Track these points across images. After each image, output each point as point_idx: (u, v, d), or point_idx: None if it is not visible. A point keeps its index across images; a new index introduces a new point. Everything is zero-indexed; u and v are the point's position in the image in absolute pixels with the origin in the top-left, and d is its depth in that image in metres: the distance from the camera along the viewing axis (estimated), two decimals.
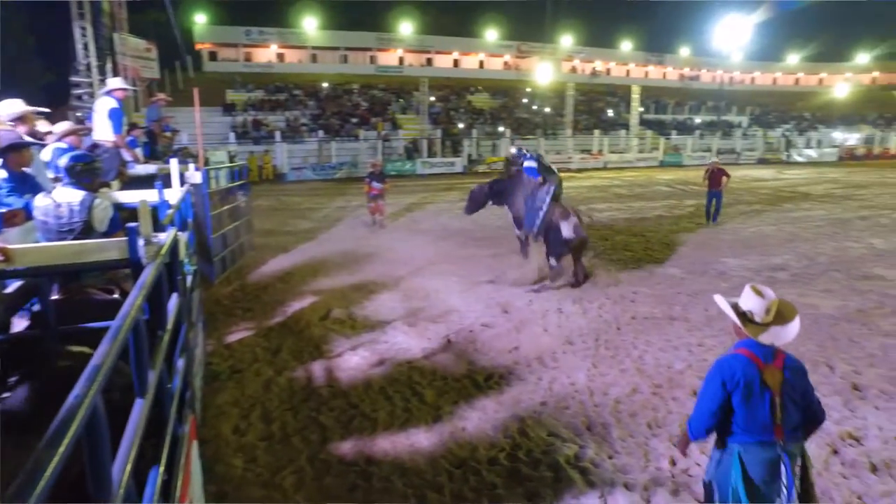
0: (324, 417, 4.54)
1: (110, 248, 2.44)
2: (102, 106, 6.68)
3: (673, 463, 3.88)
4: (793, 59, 59.75)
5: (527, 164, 8.80)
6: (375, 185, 12.76)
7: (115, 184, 6.05)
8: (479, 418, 4.53)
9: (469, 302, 7.55)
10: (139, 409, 1.52)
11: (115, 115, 6.56)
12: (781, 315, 2.57)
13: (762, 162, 38.74)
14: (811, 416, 2.63)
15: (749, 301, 2.59)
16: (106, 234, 3.28)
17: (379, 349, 5.95)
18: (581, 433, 4.30)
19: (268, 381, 5.22)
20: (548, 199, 8.29)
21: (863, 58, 60.07)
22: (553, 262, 8.24)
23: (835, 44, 57.41)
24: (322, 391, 4.99)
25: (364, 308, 7.33)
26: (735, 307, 2.63)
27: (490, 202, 9.48)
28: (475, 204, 9.54)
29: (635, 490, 3.57)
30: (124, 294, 2.62)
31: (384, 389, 5.02)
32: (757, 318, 2.56)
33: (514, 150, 10.12)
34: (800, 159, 40.08)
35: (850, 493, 3.59)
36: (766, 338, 2.54)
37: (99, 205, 3.36)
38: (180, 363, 2.69)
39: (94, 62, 11.58)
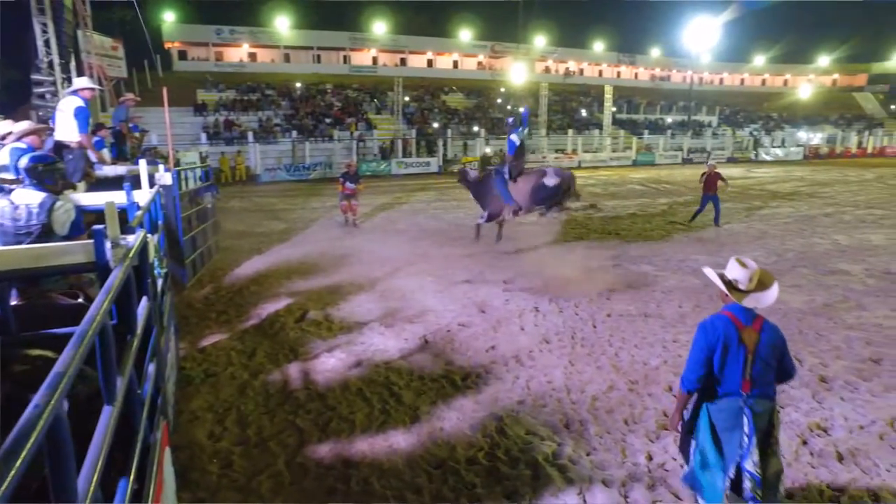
0: (301, 420, 4.47)
1: (75, 252, 2.36)
2: (68, 105, 6.48)
3: (650, 458, 3.93)
4: (759, 60, 61.40)
5: (512, 136, 9.79)
6: (349, 185, 12.92)
7: (81, 186, 5.88)
8: (457, 418, 4.52)
9: (446, 302, 7.54)
10: (107, 417, 1.47)
11: (80, 115, 6.37)
12: (762, 283, 2.91)
13: (731, 161, 39.57)
14: (783, 373, 2.99)
15: (734, 271, 2.93)
16: (67, 238, 3.17)
17: (356, 350, 5.90)
18: (559, 431, 4.32)
19: (243, 384, 5.13)
20: (506, 175, 9.66)
21: (824, 60, 62.04)
22: (555, 211, 9.32)
23: (798, 46, 59.26)
24: (298, 394, 4.93)
25: (340, 309, 7.27)
26: (722, 277, 2.96)
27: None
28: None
29: (613, 486, 3.60)
30: (89, 299, 2.54)
31: (361, 391, 4.98)
32: (741, 286, 2.90)
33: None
34: (767, 158, 41.09)
35: (819, 481, 3.68)
36: (748, 302, 2.88)
37: (60, 207, 3.25)
38: (151, 368, 2.62)
39: (56, 60, 11.23)
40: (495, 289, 8.07)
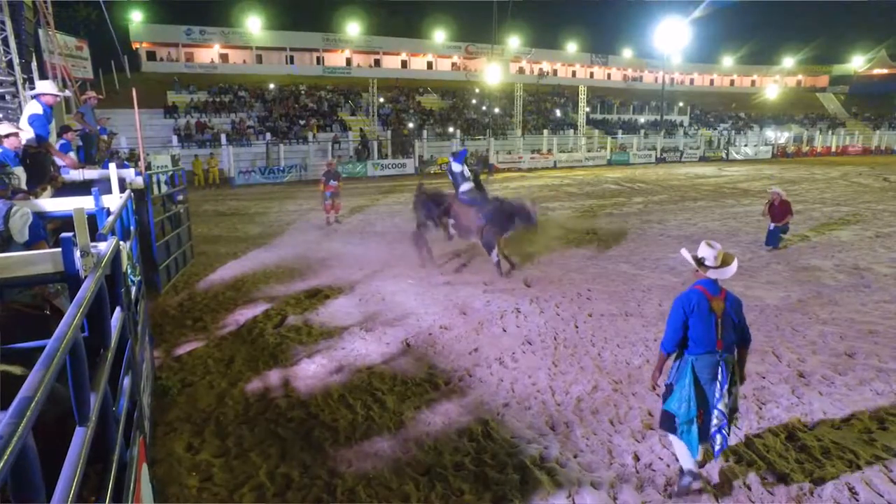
0: (282, 429, 4.36)
1: (42, 261, 2.22)
2: (27, 110, 6.22)
3: (637, 458, 3.92)
4: (727, 61, 62.84)
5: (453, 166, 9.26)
6: (332, 183, 13.40)
7: (47, 191, 5.66)
8: (442, 423, 4.46)
9: (426, 304, 7.47)
10: (80, 440, 1.37)
11: (35, 123, 6.04)
12: (725, 261, 3.62)
13: (703, 160, 40.33)
14: (743, 337, 3.60)
15: (704, 251, 3.62)
16: (27, 245, 3.02)
17: (337, 356, 5.79)
18: (545, 433, 4.29)
19: (221, 393, 4.99)
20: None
21: (789, 62, 63.83)
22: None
23: (764, 48, 61.16)
24: (279, 402, 4.81)
25: (320, 314, 7.15)
26: (694, 256, 3.65)
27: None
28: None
29: (602, 488, 3.58)
30: (55, 311, 2.40)
31: (344, 397, 4.88)
32: (708, 263, 3.58)
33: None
34: (738, 157, 41.97)
35: (801, 476, 3.71)
36: (713, 274, 3.56)
37: (16, 212, 3.09)
38: (126, 382, 2.50)
39: (15, 59, 10.83)
40: (476, 290, 8.03)
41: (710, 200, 17.80)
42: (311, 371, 5.44)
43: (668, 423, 3.57)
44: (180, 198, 10.22)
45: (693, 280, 3.70)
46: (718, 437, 3.43)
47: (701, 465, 3.72)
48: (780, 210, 10.42)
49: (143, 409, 3.44)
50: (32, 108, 6.15)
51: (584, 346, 6.01)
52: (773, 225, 10.47)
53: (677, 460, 3.68)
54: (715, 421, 3.43)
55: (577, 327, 6.57)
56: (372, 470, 3.84)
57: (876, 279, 8.39)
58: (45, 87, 6.54)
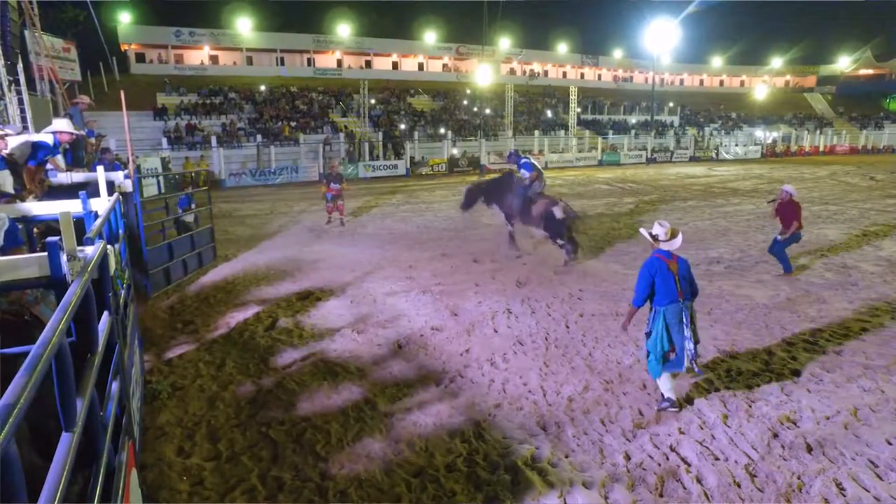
0: (274, 432, 4.35)
1: (28, 266, 2.20)
2: (40, 134, 6.14)
3: (628, 458, 3.94)
4: (717, 62, 63.34)
5: (523, 161, 10.19)
6: (334, 185, 13.37)
7: (34, 195, 5.61)
8: (434, 424, 4.47)
9: (418, 306, 7.47)
10: (66, 445, 1.36)
11: (40, 153, 5.93)
12: (673, 234, 4.74)
13: (694, 159, 40.58)
14: (693, 290, 4.70)
15: (657, 229, 4.75)
16: (2, 251, 2.98)
17: (328, 358, 5.78)
18: (536, 433, 4.31)
19: (212, 397, 4.97)
20: (539, 190, 9.87)
21: (777, 62, 64.45)
22: (560, 241, 9.47)
23: (753, 48, 61.77)
24: (271, 405, 4.79)
25: (311, 316, 7.13)
26: (651, 234, 4.77)
27: (482, 201, 10.55)
28: (470, 201, 10.61)
29: (593, 488, 3.59)
30: (35, 318, 2.38)
31: (335, 399, 4.87)
32: (661, 238, 4.71)
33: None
34: (728, 156, 42.26)
35: (790, 474, 3.75)
36: (665, 245, 4.70)
37: None
38: (115, 387, 2.48)
39: (0, 61, 10.75)
40: (467, 291, 8.04)
41: (700, 200, 17.92)
42: (302, 373, 5.42)
43: (646, 360, 4.68)
44: (189, 207, 10.46)
45: (651, 251, 4.77)
46: (693, 364, 4.61)
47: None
48: (784, 212, 8.78)
49: (133, 414, 3.42)
50: (45, 137, 6.07)
51: (575, 346, 6.04)
52: (778, 236, 8.80)
53: (663, 398, 4.65)
54: (684, 354, 4.55)
55: (568, 327, 6.60)
56: (363, 472, 3.83)
57: (863, 277, 8.48)
58: (62, 125, 6.45)
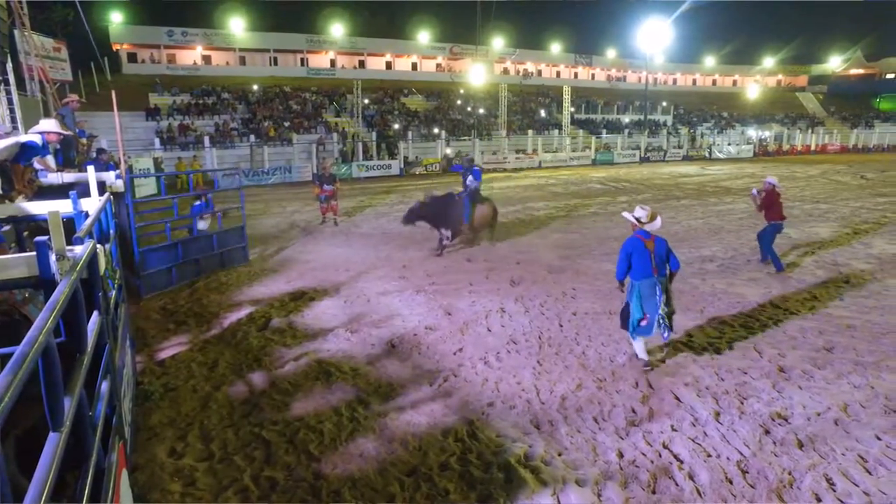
0: (267, 432, 4.34)
1: (16, 265, 2.19)
2: (28, 135, 6.08)
3: (621, 455, 3.96)
4: (709, 61, 63.68)
5: (476, 170, 11.15)
6: (326, 187, 13.25)
7: (23, 195, 5.56)
8: (427, 423, 4.47)
9: (411, 305, 7.47)
10: (53, 445, 1.35)
11: (29, 153, 5.87)
12: (653, 217, 5.33)
13: (687, 158, 40.74)
14: (672, 264, 5.31)
15: (639, 212, 5.34)
16: None
17: (321, 358, 5.77)
18: (530, 432, 4.32)
19: (205, 397, 4.95)
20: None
21: (769, 62, 64.89)
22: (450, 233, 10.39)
23: (744, 48, 62.15)
24: (264, 405, 4.78)
25: (304, 316, 7.11)
26: (634, 216, 5.34)
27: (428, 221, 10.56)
28: (411, 220, 10.51)
29: (586, 485, 3.60)
30: (23, 318, 2.36)
31: (329, 399, 4.86)
32: (643, 219, 5.30)
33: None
34: (720, 155, 42.45)
35: (781, 470, 3.77)
36: (648, 227, 5.29)
37: None
38: (104, 387, 2.47)
39: None
40: (461, 290, 8.04)
41: (693, 199, 18.00)
42: (295, 373, 5.41)
43: (624, 322, 5.41)
44: (205, 212, 10.01)
45: (632, 232, 5.36)
46: (666, 331, 5.30)
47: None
48: (767, 203, 9.02)
49: (124, 415, 3.41)
50: (34, 137, 6.01)
51: (568, 344, 6.05)
52: (775, 221, 8.99)
53: (636, 357, 5.42)
54: (657, 321, 5.22)
55: (561, 326, 6.61)
56: (357, 471, 3.83)
57: (854, 274, 8.54)
58: (50, 125, 6.41)
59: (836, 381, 5.03)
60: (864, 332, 6.16)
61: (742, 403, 4.65)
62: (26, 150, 5.78)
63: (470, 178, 10.98)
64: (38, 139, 5.92)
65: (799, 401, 4.67)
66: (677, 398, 4.79)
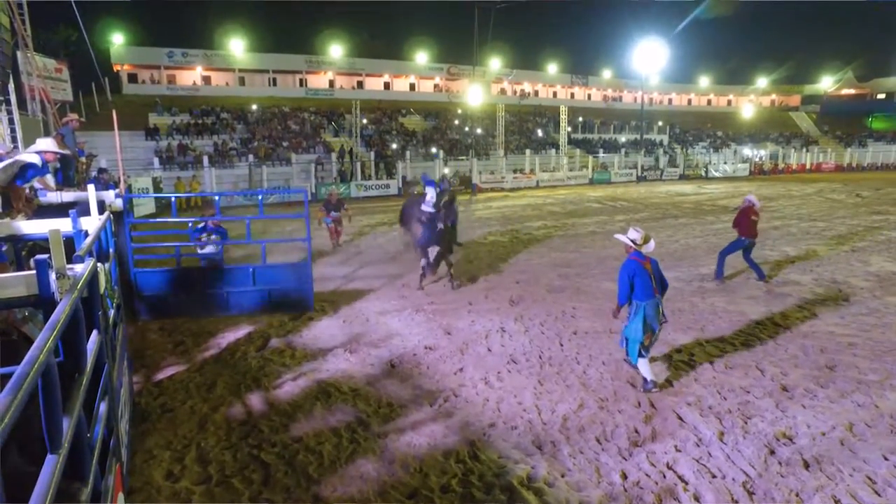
0: (265, 454, 4.27)
1: (15, 284, 2.16)
2: (27, 154, 6.09)
3: (624, 477, 3.90)
4: (704, 81, 64.48)
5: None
6: (334, 214, 13.08)
7: (22, 214, 5.55)
8: (428, 444, 4.41)
9: (411, 325, 7.43)
10: (51, 468, 1.32)
11: (29, 173, 5.86)
12: (647, 239, 5.34)
13: (683, 177, 40.98)
14: (664, 285, 5.39)
15: (633, 234, 5.36)
16: None
17: (321, 378, 5.71)
18: (532, 453, 4.26)
19: (203, 418, 4.88)
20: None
21: (762, 82, 65.77)
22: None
23: (738, 68, 63.11)
24: (262, 426, 4.71)
25: (303, 336, 7.06)
26: (629, 238, 5.34)
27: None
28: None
29: None
30: (23, 338, 2.33)
31: (328, 420, 4.80)
32: (637, 241, 5.31)
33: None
34: (717, 174, 42.71)
35: (788, 491, 3.72)
36: (644, 249, 5.29)
37: None
38: (103, 408, 2.43)
39: None
40: (460, 310, 8.01)
41: (690, 217, 18.06)
42: (294, 394, 5.35)
43: (631, 347, 5.31)
44: (215, 237, 8.92)
45: (627, 254, 5.38)
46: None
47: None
48: (740, 219, 9.37)
49: (121, 436, 3.35)
50: (32, 157, 6.02)
51: (569, 364, 6.01)
52: (743, 238, 9.24)
53: (646, 381, 5.27)
54: (657, 336, 5.39)
55: (562, 345, 6.57)
56: (357, 494, 3.76)
57: (853, 292, 8.54)
58: (47, 144, 6.40)
59: (840, 399, 4.99)
60: (867, 351, 6.14)
61: (746, 423, 4.61)
62: (25, 171, 5.78)
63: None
64: (36, 159, 5.93)
65: (803, 420, 4.63)
66: (680, 418, 4.74)
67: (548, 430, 4.61)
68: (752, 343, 6.47)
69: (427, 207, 9.19)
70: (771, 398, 5.04)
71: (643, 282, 5.17)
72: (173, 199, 8.98)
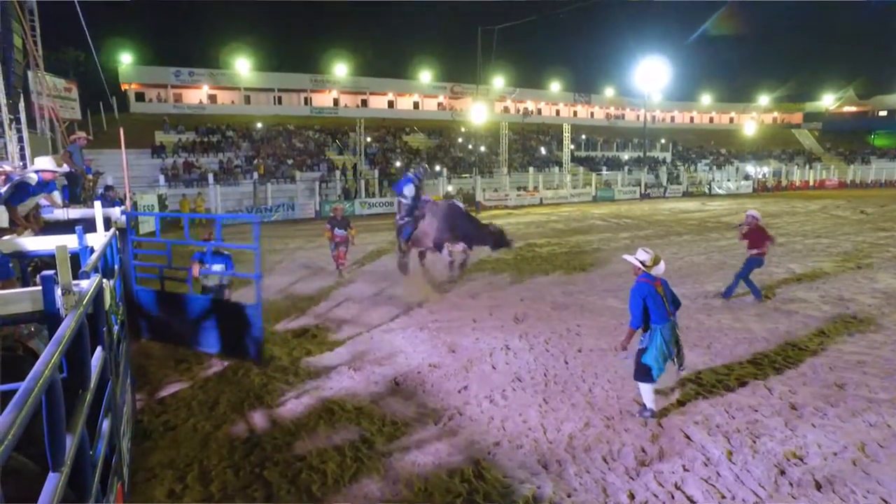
0: (268, 473, 4.22)
1: (21, 300, 2.16)
2: (26, 174, 6.14)
3: (632, 497, 3.84)
4: (706, 99, 64.87)
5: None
6: (338, 231, 11.72)
7: (29, 231, 5.58)
8: (432, 463, 4.35)
9: (415, 343, 7.39)
10: (53, 486, 1.30)
11: (20, 189, 5.91)
12: (657, 261, 5.15)
13: (687, 195, 41.01)
14: (677, 303, 5.21)
15: (642, 255, 5.17)
16: None
17: (324, 396, 5.67)
18: (537, 472, 4.20)
19: (205, 436, 4.84)
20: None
21: (764, 99, 66.17)
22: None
23: (740, 86, 63.59)
24: (265, 444, 4.67)
25: (307, 353, 7.02)
26: (638, 260, 5.15)
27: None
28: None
29: None
30: (28, 353, 2.32)
31: (332, 438, 4.76)
32: (647, 263, 5.12)
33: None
34: (720, 191, 42.75)
35: None
36: (653, 271, 5.09)
37: None
38: (105, 425, 2.41)
39: (3, 100, 10.90)
40: (464, 327, 7.97)
41: (695, 235, 18.02)
42: (297, 412, 5.31)
43: (644, 373, 4.99)
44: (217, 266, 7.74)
45: (636, 276, 5.18)
46: (681, 368, 5.23)
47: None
48: (751, 237, 9.25)
49: (123, 454, 3.32)
50: (30, 176, 6.06)
51: (574, 382, 5.95)
52: (757, 255, 9.15)
53: (645, 408, 5.05)
54: (675, 359, 5.06)
55: (567, 363, 6.52)
56: None
57: (861, 310, 8.47)
58: (45, 163, 6.42)
59: (851, 419, 4.92)
60: (876, 369, 6.06)
61: (755, 442, 4.54)
62: (19, 191, 5.81)
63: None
64: (33, 178, 5.95)
65: (813, 440, 4.55)
66: (688, 437, 4.68)
67: (553, 449, 4.56)
68: (760, 361, 6.40)
69: (405, 200, 9.88)
70: (780, 417, 4.97)
71: (657, 304, 4.92)
72: (157, 218, 8.54)
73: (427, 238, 10.17)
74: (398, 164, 36.34)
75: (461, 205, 10.72)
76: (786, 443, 4.52)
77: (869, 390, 5.51)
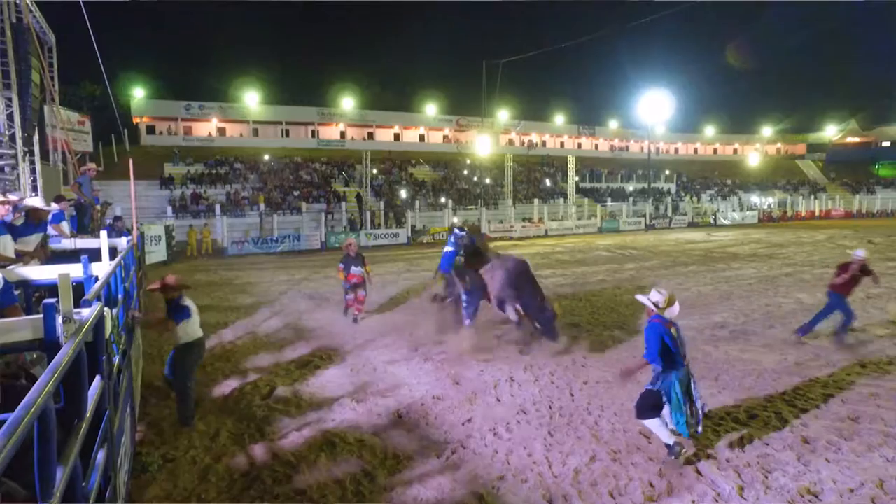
0: None
1: (20, 328, 2.16)
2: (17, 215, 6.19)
3: None
4: (710, 131, 65.48)
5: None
6: (355, 270, 10.21)
7: (35, 260, 5.62)
8: (435, 498, 4.25)
9: (419, 374, 7.31)
10: None
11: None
12: (671, 302, 4.79)
13: (692, 225, 41.01)
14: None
15: (655, 296, 4.82)
16: None
17: (326, 428, 5.59)
18: None
19: (205, 469, 4.76)
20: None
21: (767, 131, 66.75)
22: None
23: (743, 118, 64.36)
24: (265, 477, 4.58)
25: (309, 384, 6.96)
26: (651, 301, 4.80)
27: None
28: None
29: None
30: (31, 381, 2.31)
31: (333, 471, 4.67)
32: (661, 304, 4.76)
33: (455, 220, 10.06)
34: (726, 222, 42.74)
35: None
36: (666, 313, 4.74)
37: None
38: (101, 456, 2.37)
39: (18, 133, 11.12)
40: (469, 359, 7.88)
41: (700, 265, 17.93)
42: (299, 445, 5.23)
43: (648, 409, 4.74)
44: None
45: (648, 317, 4.87)
46: (701, 416, 4.75)
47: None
48: (852, 277, 8.32)
49: (118, 487, 3.26)
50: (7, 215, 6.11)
51: (580, 414, 5.85)
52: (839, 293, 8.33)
53: (670, 449, 4.70)
54: (699, 408, 4.72)
55: (572, 395, 6.42)
56: None
57: (872, 340, 8.34)
58: (35, 202, 6.52)
59: (867, 453, 4.79)
60: (890, 401, 5.93)
61: (766, 477, 4.42)
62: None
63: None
64: (9, 216, 5.90)
65: (828, 475, 4.43)
66: (697, 471, 4.56)
67: (559, 483, 4.45)
68: (769, 392, 6.28)
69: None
70: (792, 451, 4.85)
71: (672, 346, 4.58)
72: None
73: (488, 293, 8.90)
74: (403, 195, 36.64)
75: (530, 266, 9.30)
76: (799, 478, 4.40)
77: (884, 423, 5.38)
